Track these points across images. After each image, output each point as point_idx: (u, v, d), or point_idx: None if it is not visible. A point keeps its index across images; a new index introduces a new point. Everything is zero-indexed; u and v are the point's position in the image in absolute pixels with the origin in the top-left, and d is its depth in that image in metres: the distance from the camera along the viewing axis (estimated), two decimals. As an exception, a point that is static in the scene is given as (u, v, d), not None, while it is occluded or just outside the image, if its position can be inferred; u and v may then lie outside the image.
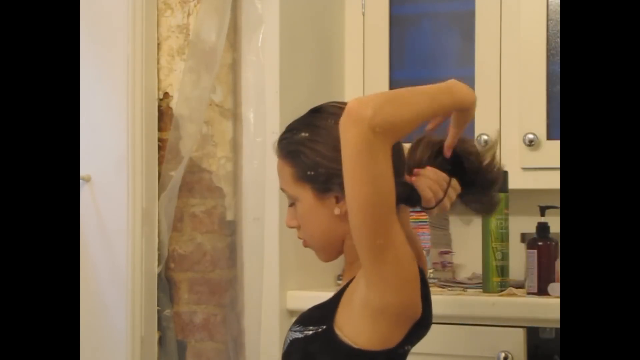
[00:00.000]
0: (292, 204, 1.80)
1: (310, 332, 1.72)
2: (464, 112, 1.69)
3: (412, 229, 1.90)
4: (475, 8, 2.62)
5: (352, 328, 1.68)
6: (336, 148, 1.63)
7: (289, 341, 1.77)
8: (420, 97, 1.64)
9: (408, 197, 1.71)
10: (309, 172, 1.73)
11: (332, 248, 1.80)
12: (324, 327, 1.71)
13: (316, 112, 1.79)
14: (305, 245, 1.83)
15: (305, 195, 1.76)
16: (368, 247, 1.62)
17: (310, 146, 1.73)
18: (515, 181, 2.41)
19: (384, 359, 1.68)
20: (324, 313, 1.74)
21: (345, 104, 1.83)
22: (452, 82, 1.69)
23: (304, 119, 1.80)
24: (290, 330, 1.80)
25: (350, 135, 1.56)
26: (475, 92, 1.71)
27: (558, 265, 2.29)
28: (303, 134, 1.75)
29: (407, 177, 1.73)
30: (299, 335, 1.74)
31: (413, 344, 1.74)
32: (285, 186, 1.79)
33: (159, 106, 2.56)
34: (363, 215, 1.60)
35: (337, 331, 1.69)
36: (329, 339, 1.69)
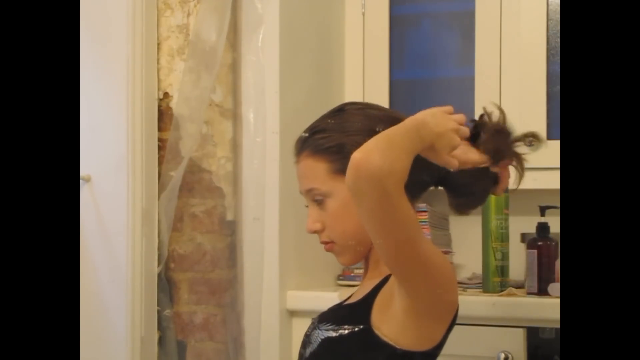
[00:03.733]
0: (319, 204, 1.78)
1: (346, 332, 1.71)
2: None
3: None
4: (475, 8, 2.62)
5: (394, 330, 1.67)
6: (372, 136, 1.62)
7: (320, 340, 1.75)
8: (406, 135, 1.61)
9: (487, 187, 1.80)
10: None
11: (363, 245, 1.77)
12: (361, 326, 1.70)
13: (340, 111, 1.80)
14: (330, 248, 1.80)
15: (343, 188, 1.70)
16: (401, 270, 1.62)
17: (352, 139, 1.71)
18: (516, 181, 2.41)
19: (425, 359, 1.69)
20: (357, 312, 1.73)
21: (358, 101, 1.84)
22: (422, 118, 1.64)
23: (330, 118, 1.79)
24: (317, 328, 1.77)
25: (365, 188, 1.54)
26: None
27: (558, 265, 2.29)
28: (342, 129, 1.76)
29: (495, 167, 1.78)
30: (332, 334, 1.73)
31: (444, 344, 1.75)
32: (315, 184, 1.76)
33: (159, 106, 2.56)
34: (398, 254, 1.60)
35: (377, 331, 1.68)
36: (369, 339, 1.68)
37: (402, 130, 1.62)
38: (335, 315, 1.78)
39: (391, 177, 1.54)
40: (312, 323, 1.82)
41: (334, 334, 1.72)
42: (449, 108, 1.69)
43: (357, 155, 1.55)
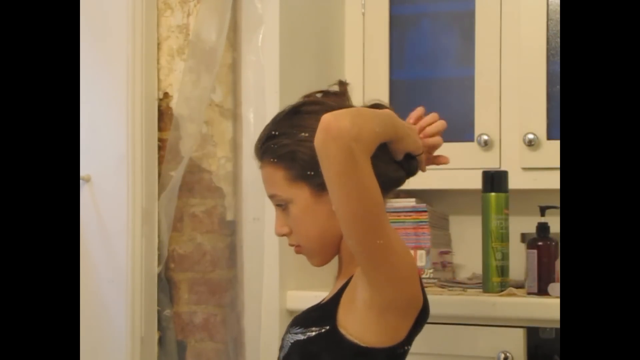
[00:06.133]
0: (283, 209, 1.80)
1: (313, 333, 1.72)
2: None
3: None
4: (475, 8, 2.62)
5: (357, 327, 1.68)
6: None
7: (290, 344, 1.76)
8: (378, 114, 1.67)
9: (409, 171, 1.79)
10: (308, 172, 1.74)
11: (328, 248, 1.80)
12: (327, 327, 1.70)
13: (296, 113, 1.80)
14: (299, 251, 1.82)
15: (302, 194, 1.76)
16: (364, 250, 1.63)
17: (305, 145, 1.74)
18: (515, 181, 2.41)
19: (391, 357, 1.69)
20: (324, 313, 1.74)
21: (317, 99, 1.83)
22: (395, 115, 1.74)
23: (286, 121, 1.79)
24: (288, 332, 1.79)
25: (333, 149, 1.56)
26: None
27: (558, 265, 2.29)
28: (294, 135, 1.76)
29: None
30: (300, 337, 1.74)
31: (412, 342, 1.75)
32: (276, 190, 1.79)
33: (159, 106, 2.56)
34: (359, 227, 1.61)
35: (342, 330, 1.69)
36: (335, 339, 1.69)
37: (377, 112, 1.69)
38: (303, 318, 1.79)
39: (358, 141, 1.57)
40: (286, 328, 1.83)
41: (302, 337, 1.74)
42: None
43: (327, 117, 1.58)
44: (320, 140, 1.58)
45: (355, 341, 1.68)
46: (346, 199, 1.59)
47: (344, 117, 1.57)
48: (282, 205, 1.80)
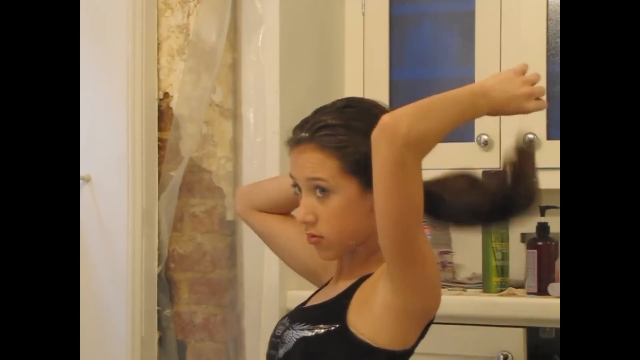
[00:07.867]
0: (320, 197, 1.73)
1: (322, 331, 1.71)
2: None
3: None
4: (475, 8, 2.62)
5: (371, 328, 1.67)
6: None
7: (295, 340, 1.75)
8: (453, 106, 1.63)
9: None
10: (359, 167, 1.70)
11: (351, 246, 1.76)
12: (337, 325, 1.70)
13: (346, 107, 1.76)
14: (317, 242, 1.75)
15: (350, 188, 1.71)
16: (399, 256, 1.62)
17: (358, 138, 1.70)
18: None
19: (392, 357, 1.69)
20: (333, 311, 1.72)
21: (366, 103, 1.81)
22: (487, 87, 1.69)
23: (341, 113, 1.75)
24: (291, 328, 1.76)
25: (384, 152, 1.55)
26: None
27: (558, 265, 2.29)
28: (348, 128, 1.72)
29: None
30: (307, 333, 1.72)
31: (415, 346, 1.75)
32: (323, 175, 1.72)
33: (159, 106, 2.56)
34: (395, 229, 1.60)
35: (353, 330, 1.68)
36: (345, 337, 1.68)
37: (452, 100, 1.65)
38: (309, 315, 1.77)
39: (411, 147, 1.55)
40: (282, 325, 1.80)
41: (309, 334, 1.72)
42: (522, 67, 1.73)
43: (385, 118, 1.56)
44: (374, 137, 1.57)
45: (367, 341, 1.67)
46: (392, 201, 1.58)
47: (403, 119, 1.56)
48: (322, 191, 1.73)
